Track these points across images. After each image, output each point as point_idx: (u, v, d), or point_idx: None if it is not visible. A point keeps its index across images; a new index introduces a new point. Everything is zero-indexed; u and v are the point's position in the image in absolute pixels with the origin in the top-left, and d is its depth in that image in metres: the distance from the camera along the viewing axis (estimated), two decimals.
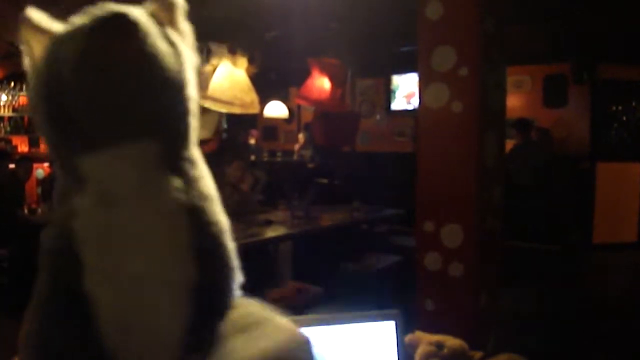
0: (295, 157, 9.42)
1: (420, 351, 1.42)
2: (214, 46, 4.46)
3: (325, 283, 4.34)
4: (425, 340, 1.44)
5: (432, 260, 3.02)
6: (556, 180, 7.00)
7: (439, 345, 1.42)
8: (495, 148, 3.08)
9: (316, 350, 0.65)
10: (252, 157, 8.10)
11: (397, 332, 1.04)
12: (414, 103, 8.63)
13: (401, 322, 1.05)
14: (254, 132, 10.21)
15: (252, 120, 10.72)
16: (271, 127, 11.16)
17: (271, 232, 4.67)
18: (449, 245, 2.94)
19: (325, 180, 7.41)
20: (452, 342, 1.43)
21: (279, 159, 10.10)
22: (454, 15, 2.95)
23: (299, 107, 10.61)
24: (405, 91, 8.87)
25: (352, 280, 4.59)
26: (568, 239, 6.88)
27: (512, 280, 4.01)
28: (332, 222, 5.13)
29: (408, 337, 1.19)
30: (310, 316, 1.01)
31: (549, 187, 6.88)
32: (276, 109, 8.75)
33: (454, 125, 2.91)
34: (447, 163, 2.94)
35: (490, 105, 3.00)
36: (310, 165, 8.27)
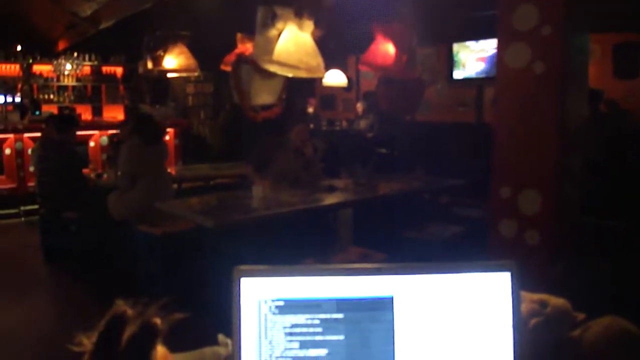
0: (354, 126, 9.34)
1: (523, 309, 1.37)
2: (279, 10, 4.40)
3: (387, 250, 4.30)
4: (527, 298, 1.38)
5: (507, 227, 2.94)
6: (628, 155, 6.72)
7: (543, 304, 1.36)
8: (577, 114, 2.95)
9: None
10: (311, 126, 8.06)
11: (512, 284, 0.98)
12: (478, 71, 8.41)
13: (517, 273, 0.99)
14: (312, 100, 10.17)
15: (310, 89, 10.67)
16: (329, 96, 11.09)
17: (334, 198, 4.65)
18: (526, 211, 2.85)
19: (384, 150, 7.33)
20: (555, 300, 1.37)
21: (337, 128, 10.03)
22: None
23: (357, 75, 10.49)
24: (470, 59, 8.63)
25: (415, 249, 4.53)
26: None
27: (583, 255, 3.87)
28: (394, 190, 5.07)
29: None
30: (421, 264, 0.96)
31: (619, 162, 6.61)
32: (335, 78, 8.66)
33: (534, 87, 2.80)
34: (526, 126, 2.83)
35: (573, 68, 2.87)
36: (369, 135, 8.18)
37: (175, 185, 5.88)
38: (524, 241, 2.87)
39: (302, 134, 5.03)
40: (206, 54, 6.80)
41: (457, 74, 8.80)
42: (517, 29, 2.85)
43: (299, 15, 4.25)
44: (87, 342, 0.92)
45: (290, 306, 0.89)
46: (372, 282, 0.92)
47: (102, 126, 9.08)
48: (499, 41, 2.97)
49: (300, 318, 0.89)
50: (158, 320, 0.89)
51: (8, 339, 4.06)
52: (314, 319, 0.90)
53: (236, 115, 9.12)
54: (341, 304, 0.90)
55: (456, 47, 8.73)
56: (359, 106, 9.28)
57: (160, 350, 0.93)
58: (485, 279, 0.98)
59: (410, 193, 5.26)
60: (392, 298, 0.92)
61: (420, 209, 5.47)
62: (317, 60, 4.23)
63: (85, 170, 6.26)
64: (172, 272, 4.54)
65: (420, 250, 4.51)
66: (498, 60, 3.02)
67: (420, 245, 4.57)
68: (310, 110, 9.58)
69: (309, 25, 4.29)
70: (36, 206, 6.87)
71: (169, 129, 9.24)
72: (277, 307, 0.89)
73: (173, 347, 1.14)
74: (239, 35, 6.07)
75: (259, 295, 0.89)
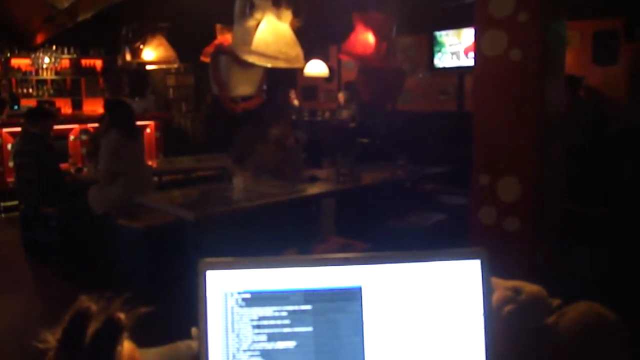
0: (336, 116, 9.32)
1: (496, 296, 1.37)
2: (257, 0, 4.36)
3: (370, 240, 4.31)
4: (501, 285, 1.38)
5: (486, 214, 2.95)
6: (606, 141, 6.76)
7: (517, 291, 1.36)
8: (555, 100, 2.96)
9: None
10: (293, 117, 8.03)
11: (482, 272, 0.97)
12: (459, 60, 8.42)
13: (487, 260, 0.98)
14: (295, 91, 10.13)
15: (291, 80, 10.62)
16: (311, 87, 11.06)
17: (316, 189, 4.64)
18: (505, 198, 2.86)
19: (366, 140, 7.33)
20: (530, 287, 1.37)
21: (319, 119, 10.01)
22: None
23: (339, 65, 10.46)
24: (450, 48, 8.63)
25: (398, 238, 4.54)
26: (619, 201, 6.67)
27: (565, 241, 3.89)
28: (376, 179, 5.08)
29: None
30: (390, 252, 0.95)
31: (600, 148, 6.66)
32: (316, 68, 8.63)
33: (512, 74, 2.80)
34: (504, 113, 2.84)
35: (551, 55, 2.87)
36: (352, 125, 8.17)
37: (156, 179, 5.85)
38: (503, 228, 2.88)
39: (285, 128, 5.00)
40: (186, 45, 6.75)
41: (438, 62, 8.80)
42: (494, 16, 2.85)
43: (277, 5, 4.21)
44: (51, 338, 0.91)
45: (257, 298, 0.88)
46: (340, 272, 0.91)
47: (82, 120, 9.00)
48: (475, 29, 2.97)
49: (268, 310, 0.88)
50: (122, 315, 0.88)
51: None
52: (281, 311, 0.88)
53: (217, 107, 9.08)
54: (309, 295, 0.89)
55: (438, 35, 8.72)
56: (341, 96, 9.27)
57: (126, 345, 0.92)
58: (455, 267, 0.97)
59: (393, 182, 5.27)
60: (360, 288, 0.91)
61: (404, 197, 5.48)
62: (297, 51, 4.20)
63: (64, 165, 6.20)
64: (154, 266, 4.52)
65: (403, 239, 4.51)
66: (475, 48, 3.02)
67: (403, 234, 4.58)
68: (296, 102, 9.54)
69: (288, 15, 4.26)
70: (16, 202, 6.80)
71: (149, 122, 9.18)
72: (243, 299, 0.88)
73: (146, 342, 1.13)
74: (218, 26, 6.03)
75: (225, 287, 0.88)
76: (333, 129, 8.62)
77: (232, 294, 0.88)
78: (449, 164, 5.75)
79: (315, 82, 10.65)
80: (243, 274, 0.88)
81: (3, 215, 7.69)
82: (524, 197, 2.80)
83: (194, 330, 1.30)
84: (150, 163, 6.44)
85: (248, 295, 0.88)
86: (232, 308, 0.88)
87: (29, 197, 5.86)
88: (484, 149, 2.96)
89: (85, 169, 6.10)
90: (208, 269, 0.88)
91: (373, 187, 5.03)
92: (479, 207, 3.00)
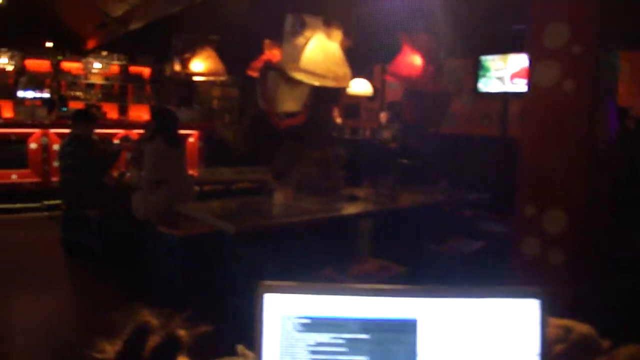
0: (377, 136, 9.31)
1: (547, 334, 1.34)
2: (308, 18, 4.41)
3: (407, 263, 4.27)
4: (550, 323, 1.36)
5: (529, 245, 2.90)
6: None
7: (567, 330, 1.34)
8: (605, 132, 2.91)
9: None
10: (334, 134, 8.06)
11: (541, 312, 0.96)
12: (504, 85, 8.35)
13: (547, 301, 0.97)
14: (338, 109, 10.16)
15: (334, 97, 10.66)
16: (353, 105, 11.08)
17: (354, 208, 4.63)
18: (550, 230, 2.81)
19: (406, 161, 7.29)
20: (580, 327, 1.34)
21: (360, 137, 10.02)
22: None
23: (383, 85, 10.47)
24: (496, 73, 8.57)
25: (436, 263, 4.50)
26: None
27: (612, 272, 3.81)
28: (416, 202, 5.04)
29: None
30: (446, 287, 0.95)
31: None
32: (360, 86, 8.66)
33: (563, 105, 2.77)
34: (554, 144, 2.80)
35: (603, 87, 2.83)
36: (392, 145, 8.15)
37: (197, 188, 5.92)
38: (547, 261, 2.83)
39: (326, 146, 5.02)
40: (233, 58, 6.84)
41: (483, 87, 8.74)
42: (548, 46, 2.83)
43: (327, 24, 4.25)
44: (109, 349, 0.92)
45: (315, 324, 0.89)
46: (397, 303, 0.91)
47: (127, 125, 9.18)
48: (529, 58, 2.95)
49: (325, 337, 0.89)
50: (183, 332, 0.89)
51: (24, 331, 4.11)
52: (338, 338, 0.89)
53: (260, 120, 9.15)
54: (366, 324, 0.89)
55: (485, 60, 8.67)
56: (383, 116, 9.26)
57: None
58: (513, 305, 0.96)
59: (432, 205, 5.22)
60: (415, 321, 0.91)
61: (443, 222, 5.42)
62: (344, 70, 4.23)
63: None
64: (191, 275, 4.56)
65: (441, 264, 4.47)
66: (528, 77, 3.00)
67: (441, 259, 4.53)
68: (339, 120, 9.56)
69: (338, 34, 4.29)
70: (59, 201, 6.97)
71: (193, 131, 9.31)
72: (301, 324, 0.89)
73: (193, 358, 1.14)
74: (266, 42, 6.10)
75: (283, 311, 0.89)
76: (373, 148, 8.61)
77: (289, 318, 0.88)
78: (490, 190, 5.68)
79: (358, 101, 10.68)
80: (301, 299, 0.89)
81: (46, 213, 7.87)
82: (570, 229, 2.75)
83: (240, 347, 1.31)
84: (191, 172, 6.52)
85: (306, 321, 0.89)
86: (289, 332, 0.88)
87: (71, 198, 6.00)
88: (531, 178, 2.92)
89: (128, 174, 6.21)
90: (266, 292, 0.89)
91: (411, 209, 4.99)
92: (522, 238, 2.95)
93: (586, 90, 2.73)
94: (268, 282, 0.89)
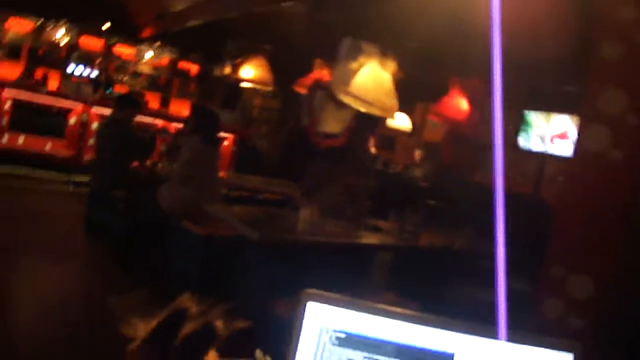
0: (409, 172, 9.30)
1: None
2: (365, 45, 4.45)
3: (420, 303, 4.23)
4: None
5: (551, 307, 2.86)
6: None
7: None
8: None
9: None
10: (367, 164, 8.05)
11: None
12: (543, 144, 8.28)
13: (580, 357, 0.96)
14: (374, 139, 10.16)
15: (372, 126, 10.67)
16: (389, 137, 11.08)
17: (377, 239, 4.62)
18: (575, 295, 2.77)
19: (434, 202, 7.26)
20: None
21: (391, 171, 10.01)
22: (634, 57, 2.77)
23: (422, 123, 10.47)
24: (537, 130, 8.51)
25: (450, 307, 4.44)
26: None
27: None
28: (438, 243, 5.02)
29: None
30: (487, 326, 0.94)
31: None
32: (400, 120, 8.68)
33: (609, 173, 2.73)
34: (593, 212, 2.76)
35: None
36: (422, 184, 8.13)
37: (224, 191, 5.96)
38: (567, 325, 2.78)
39: (357, 173, 5.03)
40: (280, 70, 6.91)
41: (523, 143, 8.67)
42: (602, 111, 2.81)
43: (384, 53, 4.28)
44: (142, 327, 0.92)
45: (351, 340, 0.89)
46: (435, 334, 0.91)
47: (166, 117, 9.30)
48: (579, 120, 2.93)
49: (359, 355, 0.89)
50: (220, 324, 0.89)
51: (34, 300, 4.15)
52: (371, 358, 0.89)
53: (296, 136, 9.19)
54: (402, 350, 0.89)
55: (530, 115, 8.61)
56: (418, 153, 9.27)
57: (211, 356, 0.93)
58: (547, 355, 0.96)
59: (454, 250, 5.19)
60: (452, 356, 0.90)
61: (461, 268, 5.38)
62: (393, 102, 4.25)
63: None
64: (206, 273, 4.57)
65: (456, 309, 4.41)
66: (576, 139, 2.98)
67: (456, 305, 4.48)
68: (372, 149, 9.58)
69: (392, 65, 4.32)
70: (86, 178, 7.06)
71: (228, 135, 9.40)
72: (337, 338, 0.88)
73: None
74: (317, 60, 6.18)
75: (323, 322, 0.89)
76: (403, 183, 8.59)
77: (327, 330, 0.88)
78: (514, 246, 5.61)
79: (394, 134, 10.68)
80: (343, 313, 0.89)
81: (71, 187, 7.97)
82: (596, 297, 2.71)
83: (258, 352, 1.31)
84: (220, 174, 6.57)
85: (343, 335, 0.88)
86: (325, 344, 0.88)
87: (101, 179, 6.08)
88: (563, 241, 2.89)
89: (160, 165, 6.28)
90: (310, 300, 0.89)
91: (432, 250, 4.97)
92: (544, 298, 2.91)
93: (636, 162, 2.70)
94: (313, 291, 0.89)
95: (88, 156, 7.96)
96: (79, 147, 8.22)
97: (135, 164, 6.31)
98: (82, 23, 10.39)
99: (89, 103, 8.34)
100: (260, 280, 4.10)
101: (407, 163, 9.85)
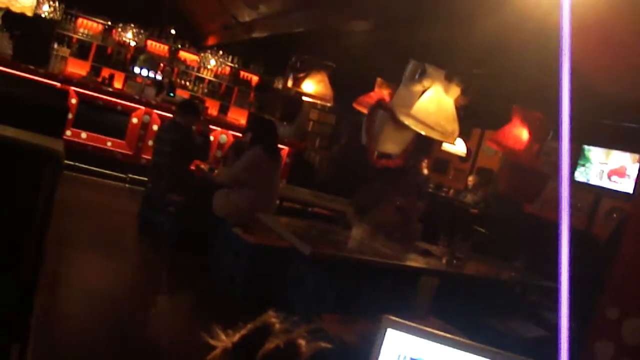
0: (460, 197, 9.24)
1: None
2: (430, 68, 4.46)
3: (463, 332, 4.20)
4: None
5: (602, 350, 2.81)
6: None
7: None
8: None
9: None
10: (419, 186, 8.04)
11: None
12: (601, 180, 8.12)
13: None
14: (427, 161, 10.15)
15: (427, 148, 10.67)
16: (443, 161, 11.03)
17: (425, 263, 4.61)
18: (629, 340, 2.72)
19: (484, 230, 7.19)
20: None
21: (443, 195, 9.95)
22: None
23: (477, 148, 10.40)
24: (595, 165, 8.34)
25: (492, 339, 4.39)
26: None
27: None
28: (485, 273, 4.98)
29: None
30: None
31: None
32: (456, 145, 8.63)
33: None
34: None
35: None
36: (473, 211, 8.06)
37: (277, 202, 6.04)
38: None
39: (410, 195, 5.04)
40: (338, 87, 6.97)
41: (579, 176, 8.52)
42: None
43: (448, 79, 4.29)
44: (225, 339, 0.96)
45: None
46: None
47: (224, 125, 9.48)
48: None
49: None
50: (303, 343, 0.91)
51: (84, 292, 4.27)
52: None
53: (349, 152, 9.25)
54: None
55: (588, 150, 8.46)
56: (471, 179, 9.19)
57: None
58: None
59: (501, 281, 5.13)
60: None
61: (507, 299, 5.32)
62: (454, 127, 4.25)
63: (198, 161, 6.55)
64: (253, 282, 4.65)
65: (497, 341, 4.36)
66: (637, 179, 2.94)
67: (499, 337, 4.43)
68: (425, 171, 9.58)
69: (456, 91, 4.33)
70: (143, 178, 7.26)
71: (284, 147, 9.52)
72: None
73: None
74: (378, 80, 6.21)
75: (401, 349, 0.92)
76: (454, 209, 8.53)
77: (404, 357, 0.92)
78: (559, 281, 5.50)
79: (449, 157, 10.63)
80: (420, 343, 0.92)
81: (127, 185, 8.20)
82: None
83: None
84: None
85: None
86: None
87: (157, 180, 6.23)
88: (623, 281, 2.84)
89: (216, 171, 6.41)
90: (390, 327, 0.93)
91: (479, 279, 4.93)
92: (596, 340, 2.86)
93: None
94: (393, 318, 0.93)
95: (145, 155, 8.18)
96: (138, 147, 8.45)
97: (192, 167, 6.47)
98: (150, 27, 10.73)
99: (151, 105, 8.57)
100: (305, 293, 4.14)
101: (459, 188, 9.78)
